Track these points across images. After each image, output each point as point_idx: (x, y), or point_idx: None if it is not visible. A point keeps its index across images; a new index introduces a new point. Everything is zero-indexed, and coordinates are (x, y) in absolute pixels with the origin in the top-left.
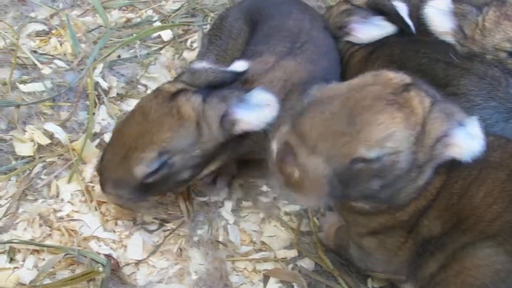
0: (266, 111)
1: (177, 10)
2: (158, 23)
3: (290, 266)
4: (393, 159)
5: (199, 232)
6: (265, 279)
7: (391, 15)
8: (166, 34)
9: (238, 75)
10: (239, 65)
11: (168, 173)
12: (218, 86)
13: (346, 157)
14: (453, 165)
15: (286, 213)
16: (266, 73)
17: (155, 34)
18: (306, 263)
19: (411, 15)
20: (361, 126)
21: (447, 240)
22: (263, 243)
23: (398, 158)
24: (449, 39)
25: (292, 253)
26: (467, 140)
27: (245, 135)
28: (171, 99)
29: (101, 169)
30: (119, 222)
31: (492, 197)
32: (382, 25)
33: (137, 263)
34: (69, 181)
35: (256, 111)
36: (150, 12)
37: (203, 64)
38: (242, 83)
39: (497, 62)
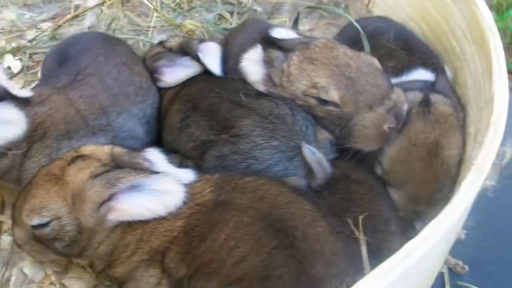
0: (7, 128)
1: (31, 40)
2: (9, 55)
3: None
4: (58, 224)
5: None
6: None
7: (196, 59)
8: (16, 66)
9: (6, 94)
10: (22, 91)
11: None
12: None
13: (25, 224)
14: (194, 211)
15: None
16: (34, 107)
17: (5, 65)
18: None
19: (228, 55)
20: (26, 200)
21: (196, 285)
22: (63, 284)
23: (61, 223)
24: (262, 88)
25: None
26: (140, 199)
27: None
28: None
29: None
30: None
31: (234, 240)
32: (189, 65)
33: None
34: None
35: None
36: (3, 42)
37: None
38: None
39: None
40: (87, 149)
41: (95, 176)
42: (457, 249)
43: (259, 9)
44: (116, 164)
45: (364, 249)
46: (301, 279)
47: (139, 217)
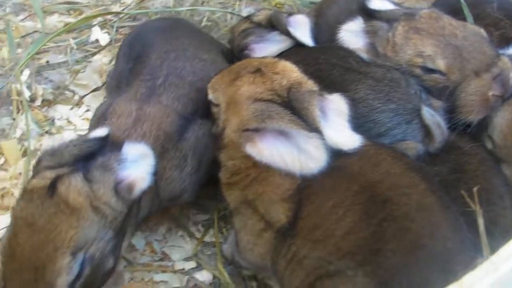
0: (146, 162)
1: (117, 13)
2: (97, 28)
3: (186, 278)
4: (217, 110)
5: None
6: None
7: (286, 33)
8: (104, 39)
9: (104, 139)
10: (100, 131)
11: (92, 268)
12: (89, 157)
13: None
14: None
15: (195, 223)
16: (135, 127)
17: (93, 38)
18: (204, 276)
19: (318, 27)
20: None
21: (298, 251)
22: (164, 253)
23: (219, 110)
24: (365, 56)
25: (191, 264)
26: (282, 148)
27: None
28: (50, 195)
29: None
30: None
31: (342, 209)
32: (279, 40)
33: None
34: None
35: (139, 166)
36: None
37: (59, 142)
38: (112, 144)
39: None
40: (280, 65)
41: (255, 100)
42: None
43: None
44: (288, 98)
45: (481, 222)
46: (418, 254)
47: (271, 163)
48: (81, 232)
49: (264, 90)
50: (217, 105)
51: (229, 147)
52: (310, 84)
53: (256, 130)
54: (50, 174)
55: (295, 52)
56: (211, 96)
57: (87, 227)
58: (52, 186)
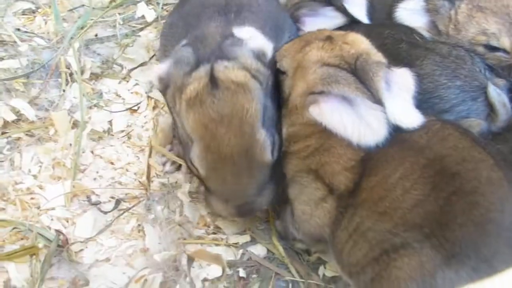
0: (256, 38)
1: None
2: (142, 3)
3: (241, 251)
4: (285, 79)
5: (153, 212)
6: (189, 260)
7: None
8: (150, 15)
9: None
10: None
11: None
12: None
13: None
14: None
15: None
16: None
17: (139, 14)
18: (258, 250)
19: (373, 5)
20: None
21: (362, 222)
22: (216, 226)
23: (286, 79)
24: (426, 34)
25: (245, 238)
26: (344, 114)
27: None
28: (215, 86)
29: (240, 198)
30: (75, 199)
31: (410, 182)
32: (332, 16)
33: (85, 241)
34: (31, 158)
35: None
36: None
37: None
38: None
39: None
40: (350, 36)
41: (323, 64)
42: None
43: None
44: (354, 67)
45: None
46: (487, 228)
47: (332, 127)
48: (258, 101)
49: (332, 56)
50: (284, 73)
51: (292, 113)
52: (378, 56)
53: (321, 93)
54: (198, 74)
55: (356, 27)
56: (279, 64)
57: (258, 95)
58: (213, 77)
